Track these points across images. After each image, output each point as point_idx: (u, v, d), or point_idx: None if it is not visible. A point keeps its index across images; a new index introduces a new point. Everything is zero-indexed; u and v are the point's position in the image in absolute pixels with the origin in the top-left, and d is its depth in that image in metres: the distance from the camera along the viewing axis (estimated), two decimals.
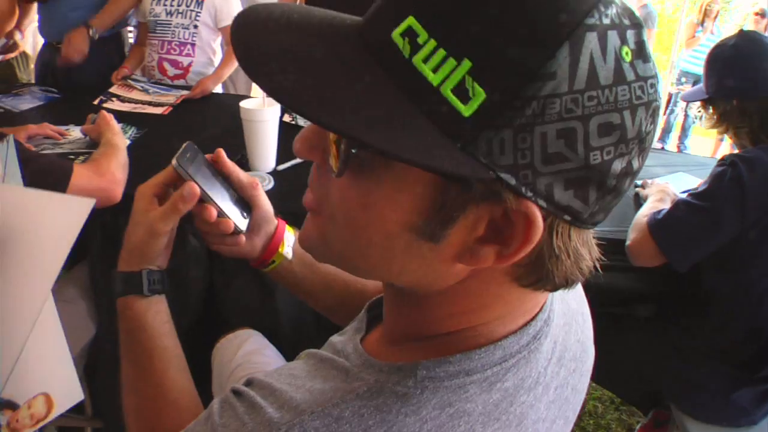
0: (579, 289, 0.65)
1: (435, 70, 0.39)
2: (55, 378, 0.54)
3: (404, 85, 0.40)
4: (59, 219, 0.56)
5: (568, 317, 0.59)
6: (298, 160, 1.73)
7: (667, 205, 1.51)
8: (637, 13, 0.43)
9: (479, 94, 0.38)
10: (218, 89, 2.56)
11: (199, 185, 0.73)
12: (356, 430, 0.46)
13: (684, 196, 1.47)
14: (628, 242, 1.45)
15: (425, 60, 0.39)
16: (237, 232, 0.78)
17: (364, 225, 0.46)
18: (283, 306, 1.52)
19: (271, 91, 0.41)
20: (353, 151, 0.43)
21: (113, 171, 1.38)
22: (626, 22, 0.40)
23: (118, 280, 0.76)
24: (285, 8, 0.47)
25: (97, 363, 1.62)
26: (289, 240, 0.87)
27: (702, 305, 1.52)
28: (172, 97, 2.31)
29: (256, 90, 3.49)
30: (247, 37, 0.44)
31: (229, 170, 0.80)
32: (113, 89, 2.34)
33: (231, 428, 0.51)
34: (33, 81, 2.83)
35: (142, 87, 2.38)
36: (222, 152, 0.80)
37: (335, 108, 0.39)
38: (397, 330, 0.56)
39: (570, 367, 0.58)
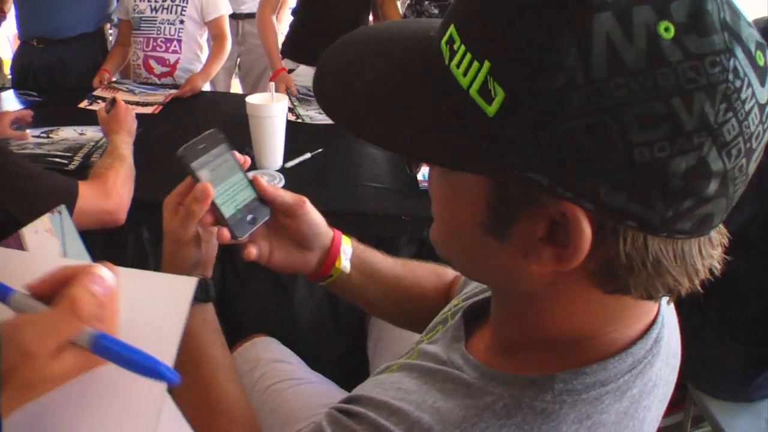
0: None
1: (465, 74, 0.40)
2: None
3: (441, 90, 0.42)
4: (166, 303, 0.53)
5: (667, 315, 0.58)
6: (305, 157, 1.70)
7: None
8: None
9: (500, 94, 0.38)
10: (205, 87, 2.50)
11: (195, 176, 0.70)
12: None
13: None
14: None
15: (458, 65, 0.41)
16: (234, 238, 0.73)
17: (447, 219, 0.51)
18: (302, 310, 1.50)
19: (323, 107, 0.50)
20: None
21: (119, 191, 1.31)
22: None
23: None
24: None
25: None
26: (347, 252, 0.84)
27: (715, 285, 1.55)
28: (160, 96, 2.25)
29: (235, 86, 3.44)
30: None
31: (271, 196, 0.76)
32: (97, 92, 2.26)
33: None
34: (7, 84, 2.73)
35: (127, 88, 2.31)
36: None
37: (366, 124, 0.47)
38: (508, 336, 0.55)
39: (672, 364, 0.57)
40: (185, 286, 0.54)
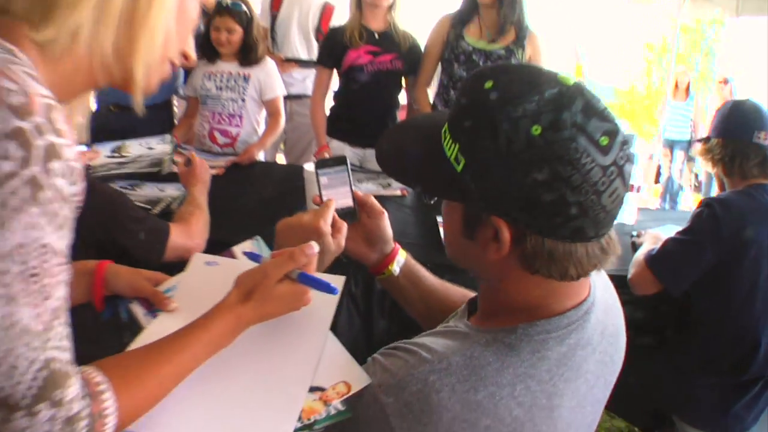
0: (614, 291, 0.95)
1: (449, 149, 0.74)
2: (346, 369, 0.82)
3: (439, 158, 0.76)
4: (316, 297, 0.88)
5: (607, 307, 0.88)
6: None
7: (659, 245, 1.84)
8: (561, 108, 0.68)
9: (462, 161, 0.72)
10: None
11: (319, 184, 1.05)
12: (482, 363, 0.75)
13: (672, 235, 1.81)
14: (629, 276, 1.79)
15: (446, 143, 0.75)
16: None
17: (447, 230, 0.86)
18: (341, 335, 1.77)
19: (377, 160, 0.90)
20: None
21: (200, 234, 1.66)
22: (547, 108, 0.67)
23: None
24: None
25: None
26: (400, 261, 1.14)
27: (692, 326, 1.84)
28: (222, 161, 2.61)
29: (281, 158, 3.84)
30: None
31: (362, 200, 1.08)
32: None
33: (397, 365, 0.78)
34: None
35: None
36: (356, 192, 1.09)
37: (405, 174, 0.88)
38: (487, 306, 0.87)
39: (609, 341, 0.86)
40: (338, 280, 0.90)
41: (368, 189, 2.43)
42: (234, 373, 0.82)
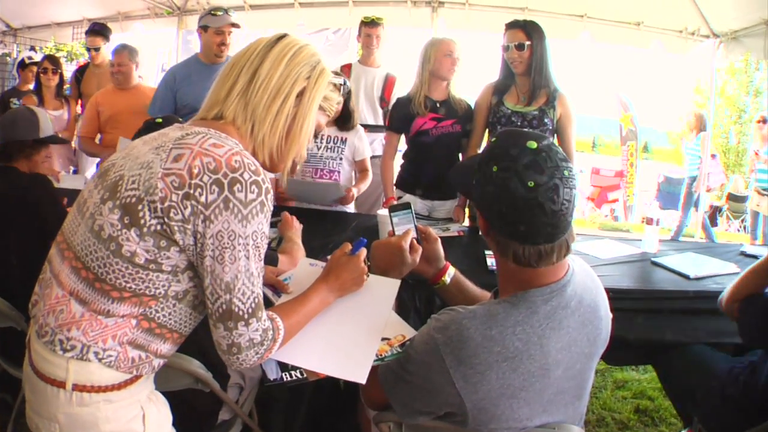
0: (595, 279, 1.40)
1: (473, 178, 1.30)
2: (401, 328, 1.38)
3: (468, 180, 1.30)
4: (383, 285, 1.44)
5: (585, 287, 1.32)
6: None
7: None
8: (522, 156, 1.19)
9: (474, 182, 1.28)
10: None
11: (392, 222, 1.57)
12: (494, 312, 1.22)
13: None
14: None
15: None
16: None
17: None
18: None
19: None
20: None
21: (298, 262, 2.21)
22: (505, 160, 1.19)
23: None
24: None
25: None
26: (450, 274, 1.66)
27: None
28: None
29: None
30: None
31: (423, 231, 1.62)
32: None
33: (445, 316, 1.26)
34: None
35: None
36: (419, 226, 1.62)
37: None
38: (502, 288, 1.35)
39: (587, 309, 1.31)
40: (394, 283, 1.44)
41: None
42: (337, 327, 1.37)
